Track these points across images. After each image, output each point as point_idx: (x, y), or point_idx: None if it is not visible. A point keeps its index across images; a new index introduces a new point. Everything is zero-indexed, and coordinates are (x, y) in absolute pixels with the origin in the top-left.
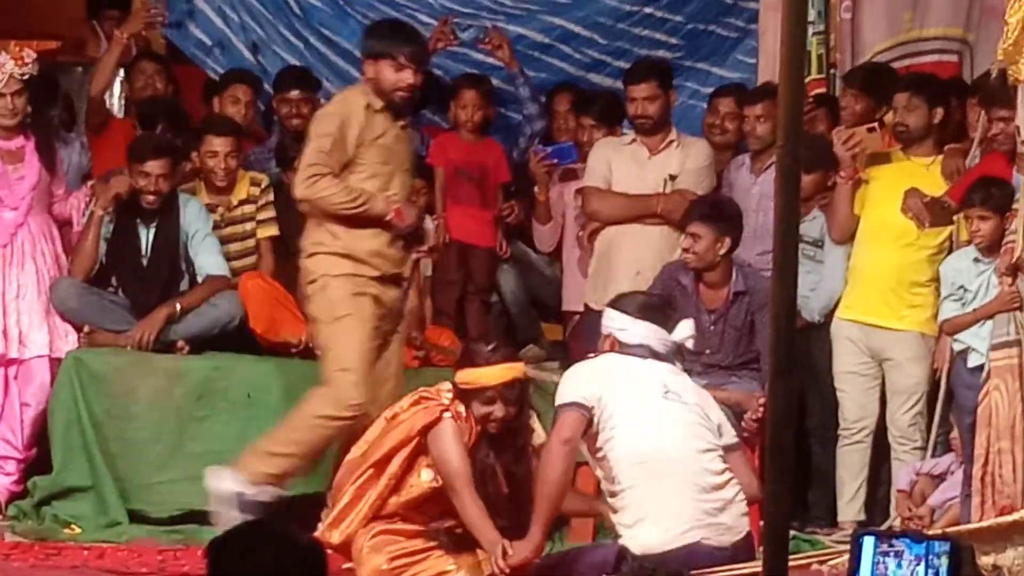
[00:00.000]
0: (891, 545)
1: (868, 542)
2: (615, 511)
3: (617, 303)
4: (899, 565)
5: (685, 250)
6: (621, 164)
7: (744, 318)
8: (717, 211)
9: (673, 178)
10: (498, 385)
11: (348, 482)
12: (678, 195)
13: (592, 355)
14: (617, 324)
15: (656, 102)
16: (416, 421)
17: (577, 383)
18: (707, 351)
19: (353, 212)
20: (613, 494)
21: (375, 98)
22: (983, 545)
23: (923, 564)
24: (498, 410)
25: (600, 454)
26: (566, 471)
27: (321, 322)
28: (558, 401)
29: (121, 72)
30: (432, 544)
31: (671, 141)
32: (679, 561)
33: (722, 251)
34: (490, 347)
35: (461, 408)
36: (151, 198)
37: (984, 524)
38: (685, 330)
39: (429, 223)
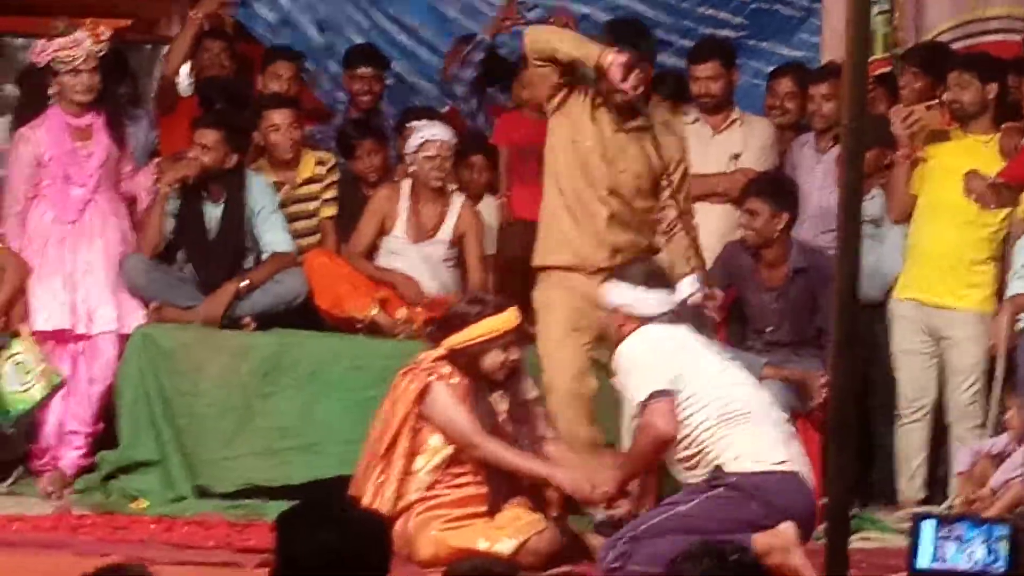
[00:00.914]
0: (951, 529)
1: (927, 526)
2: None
3: (621, 276)
4: (959, 550)
5: (743, 226)
6: None
7: (805, 296)
8: (774, 186)
9: (736, 157)
10: (514, 328)
11: (366, 483)
12: (740, 174)
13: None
14: (631, 298)
15: (719, 81)
16: (409, 392)
17: (653, 369)
18: (769, 328)
19: (573, 53)
20: (696, 455)
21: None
22: None
23: (983, 547)
24: (513, 353)
25: (681, 418)
26: (655, 459)
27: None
28: (638, 396)
29: None
30: (478, 510)
31: (734, 120)
32: (780, 484)
33: (779, 226)
34: (489, 298)
35: (446, 370)
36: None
37: None
38: (688, 287)
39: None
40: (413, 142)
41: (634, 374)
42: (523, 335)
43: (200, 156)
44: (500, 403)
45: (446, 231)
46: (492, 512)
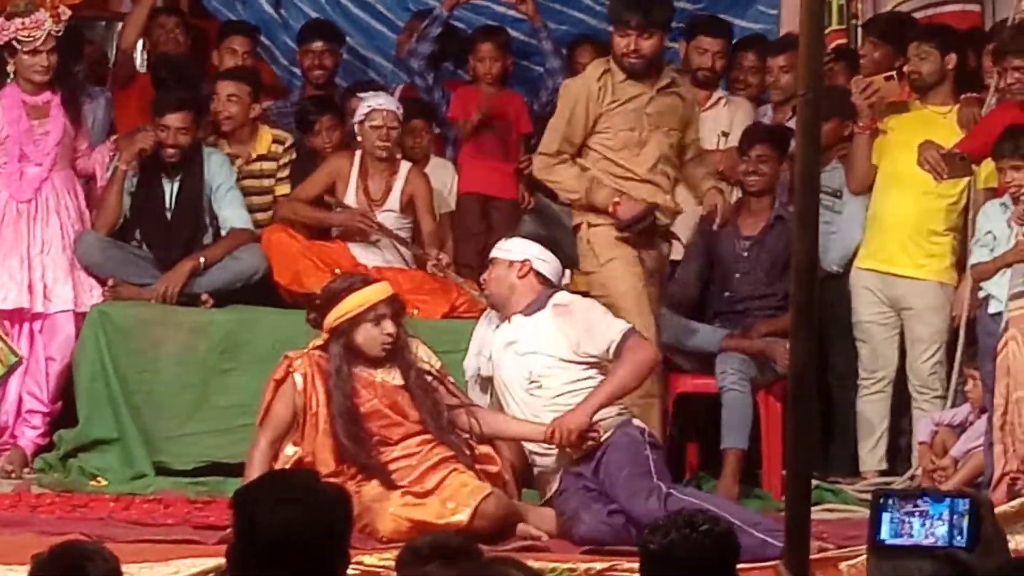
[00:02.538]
0: (915, 505)
1: (889, 501)
2: None
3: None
4: (923, 524)
5: (749, 172)
6: None
7: (780, 246)
8: (779, 134)
9: (725, 135)
10: (386, 299)
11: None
12: (737, 151)
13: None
14: (537, 253)
15: (723, 59)
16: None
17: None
18: (737, 275)
19: (576, 201)
20: None
21: (616, 66)
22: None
23: (946, 523)
24: (388, 326)
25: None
26: (643, 381)
27: (592, 273)
28: (622, 328)
29: None
30: (417, 486)
31: (719, 98)
32: None
33: (780, 173)
34: (357, 276)
35: (298, 362)
36: (171, 151)
37: (1000, 509)
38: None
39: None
40: (360, 112)
41: (603, 315)
42: (397, 308)
43: (169, 139)
44: (390, 378)
45: (394, 199)
46: (409, 484)
